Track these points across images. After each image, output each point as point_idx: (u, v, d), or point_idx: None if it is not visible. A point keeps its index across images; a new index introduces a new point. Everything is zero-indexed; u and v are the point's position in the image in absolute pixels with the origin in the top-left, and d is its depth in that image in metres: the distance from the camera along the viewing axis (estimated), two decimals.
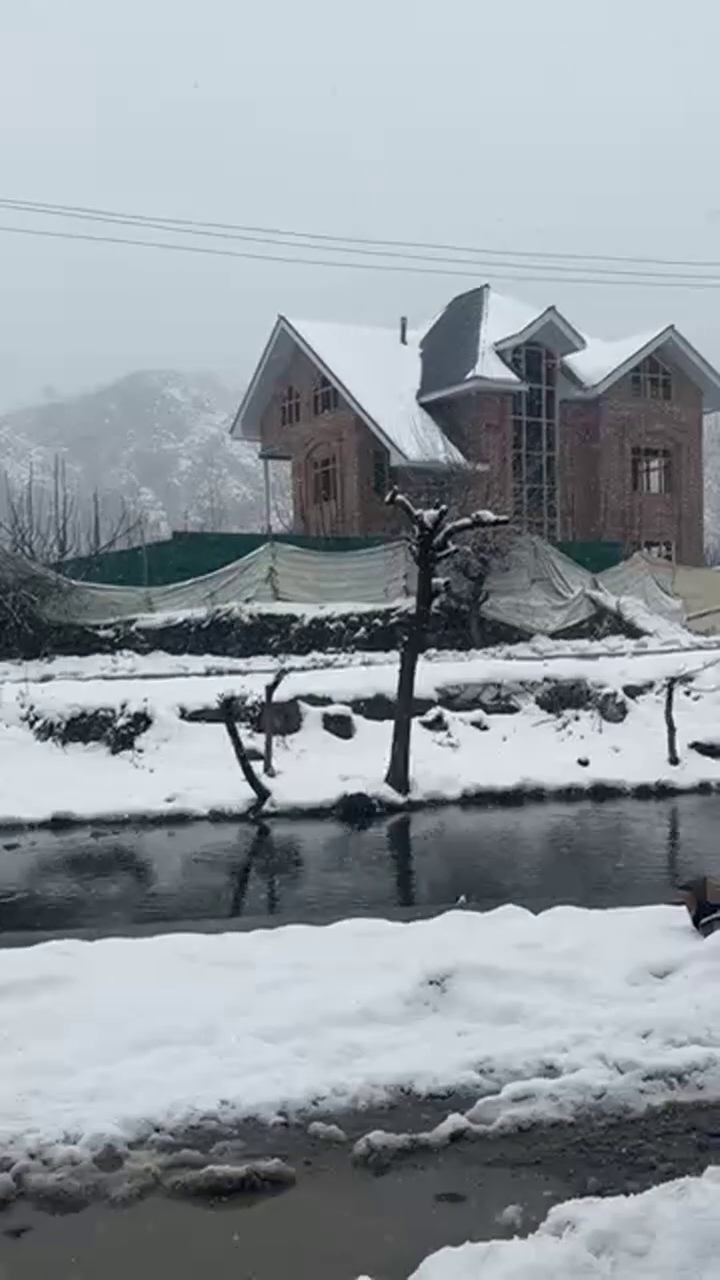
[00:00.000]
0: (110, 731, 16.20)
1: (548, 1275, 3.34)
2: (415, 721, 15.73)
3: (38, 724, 16.24)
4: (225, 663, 22.41)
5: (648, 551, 32.98)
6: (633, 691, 18.14)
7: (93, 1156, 4.48)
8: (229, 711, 14.05)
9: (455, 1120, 4.67)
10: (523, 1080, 4.93)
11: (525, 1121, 4.67)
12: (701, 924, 6.74)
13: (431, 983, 5.80)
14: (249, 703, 16.20)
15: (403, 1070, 5.04)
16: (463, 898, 7.98)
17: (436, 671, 18.32)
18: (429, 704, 17.24)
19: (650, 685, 18.08)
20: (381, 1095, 4.92)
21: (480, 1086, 4.96)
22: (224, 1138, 4.62)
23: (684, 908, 6.98)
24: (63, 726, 16.20)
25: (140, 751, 15.93)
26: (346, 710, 17.07)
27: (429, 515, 14.84)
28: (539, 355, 36.79)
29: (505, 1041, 5.24)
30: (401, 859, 13.00)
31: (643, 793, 15.51)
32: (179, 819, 13.87)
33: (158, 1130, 4.65)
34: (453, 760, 16.18)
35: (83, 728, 16.29)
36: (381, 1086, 4.96)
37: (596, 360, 37.91)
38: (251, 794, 14.05)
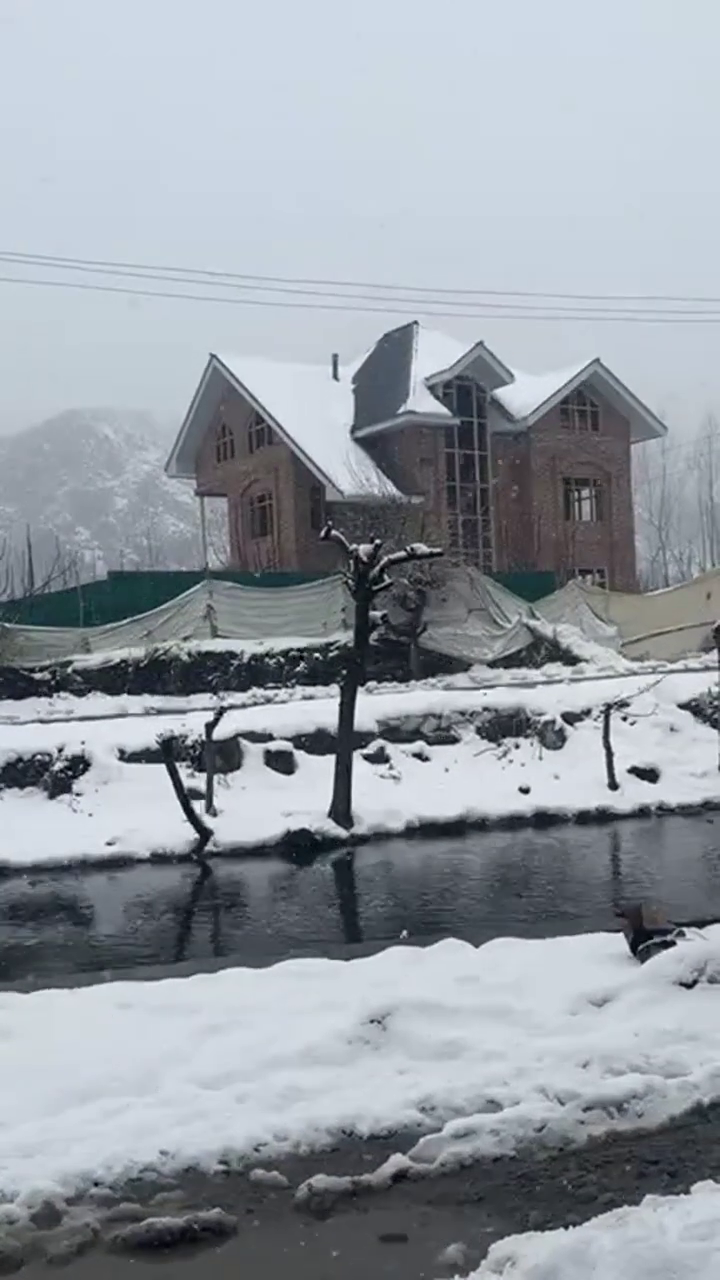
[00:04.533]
0: (47, 775, 15.98)
1: None
2: (357, 755, 15.74)
3: None
4: (164, 702, 22.25)
5: (582, 579, 33.41)
6: (571, 718, 18.33)
7: (30, 1214, 4.40)
8: (169, 751, 13.94)
9: (397, 1160, 4.65)
10: (464, 1116, 4.92)
11: (467, 1158, 4.66)
12: (639, 950, 6.80)
13: (372, 1021, 5.78)
14: (189, 742, 16.09)
15: (344, 1112, 5.01)
16: (404, 933, 7.98)
17: (377, 704, 18.36)
18: (370, 737, 17.26)
19: (588, 712, 18.29)
20: (323, 1138, 4.89)
21: (422, 1125, 4.95)
22: (164, 1189, 4.55)
23: (621, 935, 7.06)
24: None
25: (79, 795, 15.72)
26: (288, 746, 17.03)
27: (364, 549, 14.94)
28: (469, 389, 37.31)
29: (446, 1078, 5.23)
30: (345, 895, 12.95)
31: (584, 818, 15.64)
32: (120, 863, 13.70)
33: (96, 1184, 4.58)
34: (395, 792, 16.19)
35: (19, 772, 16.05)
36: (323, 1129, 4.92)
37: (526, 394, 38.54)
38: (194, 834, 13.92)
